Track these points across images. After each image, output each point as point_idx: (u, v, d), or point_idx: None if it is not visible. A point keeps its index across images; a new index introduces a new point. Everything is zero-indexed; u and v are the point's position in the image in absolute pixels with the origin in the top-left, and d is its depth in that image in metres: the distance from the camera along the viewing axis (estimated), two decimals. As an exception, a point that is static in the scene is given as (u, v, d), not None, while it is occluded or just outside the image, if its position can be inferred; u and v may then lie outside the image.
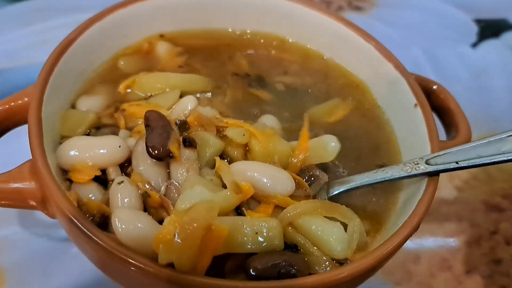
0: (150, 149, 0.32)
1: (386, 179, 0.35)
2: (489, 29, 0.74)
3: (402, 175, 0.35)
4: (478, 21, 0.75)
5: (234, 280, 0.29)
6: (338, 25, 0.44)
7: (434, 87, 0.41)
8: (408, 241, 0.47)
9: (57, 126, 0.36)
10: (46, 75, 0.35)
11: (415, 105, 0.38)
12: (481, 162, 0.34)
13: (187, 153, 0.33)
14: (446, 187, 0.53)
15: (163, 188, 0.33)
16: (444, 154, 0.35)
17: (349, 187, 0.36)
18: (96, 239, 0.28)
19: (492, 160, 0.33)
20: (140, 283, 0.29)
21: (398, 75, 0.40)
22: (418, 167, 0.34)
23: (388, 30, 0.74)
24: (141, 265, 0.27)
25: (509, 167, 0.56)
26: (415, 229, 0.31)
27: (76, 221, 0.28)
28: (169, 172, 0.34)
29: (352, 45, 0.43)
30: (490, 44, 0.72)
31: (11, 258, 0.43)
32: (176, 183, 0.33)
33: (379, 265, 0.30)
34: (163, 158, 0.32)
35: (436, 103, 0.41)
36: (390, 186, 0.37)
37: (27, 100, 0.35)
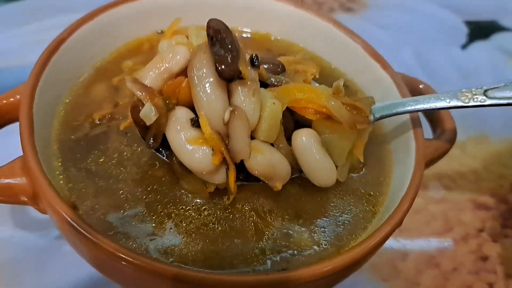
0: (221, 68, 0.28)
1: (442, 107, 0.33)
2: (479, 31, 0.75)
3: (458, 104, 0.32)
4: (468, 23, 0.76)
5: (229, 273, 0.30)
6: (327, 25, 0.45)
7: (421, 86, 0.42)
8: (395, 239, 0.49)
9: (49, 123, 0.36)
10: (37, 73, 0.36)
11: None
12: None
13: (253, 74, 0.30)
14: (434, 186, 0.54)
15: (227, 115, 0.30)
16: (504, 86, 0.32)
17: (395, 112, 0.35)
18: (86, 234, 0.28)
19: None
20: (131, 277, 0.30)
21: (385, 75, 0.40)
22: (477, 98, 0.32)
23: (379, 31, 0.74)
24: (131, 260, 0.28)
25: (496, 167, 0.57)
26: (398, 224, 0.31)
27: (66, 216, 0.29)
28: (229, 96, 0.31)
29: (340, 45, 0.44)
30: (479, 46, 0.73)
31: (4, 255, 0.43)
32: (241, 108, 0.30)
33: (361, 261, 0.30)
34: (234, 79, 0.29)
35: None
36: (380, 176, 0.37)
37: (19, 98, 0.35)
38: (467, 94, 0.33)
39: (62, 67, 0.38)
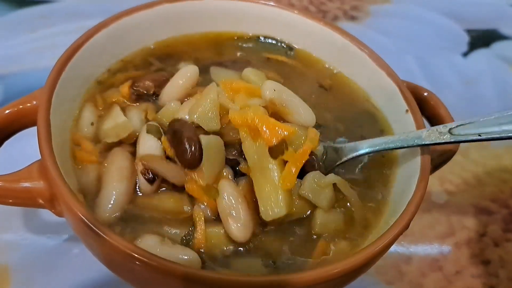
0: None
1: (409, 144, 0.35)
2: (480, 39, 0.76)
3: (424, 143, 0.35)
4: (470, 31, 0.78)
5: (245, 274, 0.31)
6: (334, 34, 0.46)
7: (425, 94, 0.43)
8: (400, 243, 0.50)
9: (66, 127, 0.37)
10: (54, 79, 0.37)
11: (406, 110, 0.40)
12: (502, 135, 0.32)
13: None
14: (438, 191, 0.55)
15: None
16: (467, 124, 0.34)
17: (364, 152, 0.37)
18: (103, 235, 0.29)
19: None
20: (147, 279, 0.31)
21: (391, 82, 0.42)
22: (442, 136, 0.34)
23: (383, 39, 0.76)
24: (148, 261, 0.28)
25: (498, 172, 0.58)
26: (406, 227, 0.32)
27: (84, 218, 0.30)
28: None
29: (347, 54, 0.45)
30: (480, 54, 0.74)
31: (16, 257, 0.44)
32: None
33: (370, 262, 0.31)
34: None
35: (427, 109, 0.43)
36: (383, 181, 0.38)
37: (36, 103, 0.36)
38: (433, 133, 0.35)
39: (77, 72, 0.39)
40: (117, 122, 0.38)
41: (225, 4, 0.46)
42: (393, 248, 0.49)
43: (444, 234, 0.51)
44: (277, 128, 0.34)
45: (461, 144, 0.60)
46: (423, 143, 0.35)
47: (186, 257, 0.31)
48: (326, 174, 0.35)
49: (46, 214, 0.47)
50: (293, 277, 0.29)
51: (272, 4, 0.47)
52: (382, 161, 0.40)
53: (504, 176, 0.58)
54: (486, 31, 0.78)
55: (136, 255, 0.29)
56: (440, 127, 0.35)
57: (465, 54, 0.73)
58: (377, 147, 0.37)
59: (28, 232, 0.46)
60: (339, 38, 0.46)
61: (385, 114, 0.43)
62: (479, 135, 0.33)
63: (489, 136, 0.33)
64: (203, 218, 0.34)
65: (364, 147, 0.38)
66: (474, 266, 0.49)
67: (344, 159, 0.38)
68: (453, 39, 0.76)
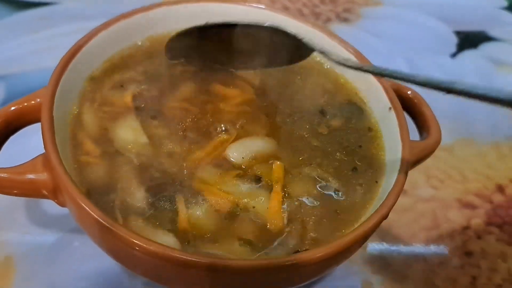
0: None
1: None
2: (468, 41, 0.79)
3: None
4: (458, 33, 0.80)
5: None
6: (323, 36, 0.49)
7: (409, 92, 0.45)
8: (385, 235, 0.52)
9: (66, 124, 0.40)
10: (56, 78, 0.39)
11: (390, 108, 0.42)
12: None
13: None
14: (423, 186, 0.57)
15: None
16: None
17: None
18: (105, 223, 0.31)
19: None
20: (153, 268, 0.33)
21: (375, 81, 0.44)
22: None
23: (374, 40, 0.78)
24: (152, 249, 0.30)
25: (482, 169, 0.61)
26: (384, 217, 0.35)
27: (85, 207, 0.32)
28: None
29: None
30: (468, 55, 0.76)
31: (19, 248, 0.46)
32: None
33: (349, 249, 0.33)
34: None
35: (410, 107, 0.45)
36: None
37: (39, 100, 0.38)
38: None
39: (78, 72, 0.41)
40: (139, 141, 0.40)
41: (214, 6, 0.48)
42: (379, 239, 0.51)
43: (428, 226, 0.53)
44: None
45: (447, 141, 0.63)
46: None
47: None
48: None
49: (47, 208, 0.49)
50: (266, 262, 0.31)
51: (262, 7, 0.49)
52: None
53: (489, 172, 0.60)
54: (474, 33, 0.81)
55: (139, 243, 0.31)
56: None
57: (453, 55, 0.76)
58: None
59: (31, 226, 0.48)
60: (327, 39, 0.48)
61: (371, 109, 0.45)
62: None
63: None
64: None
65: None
66: (457, 257, 0.51)
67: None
68: (442, 41, 0.79)
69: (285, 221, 0.36)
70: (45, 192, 0.35)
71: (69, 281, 0.44)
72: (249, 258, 0.34)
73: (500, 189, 0.58)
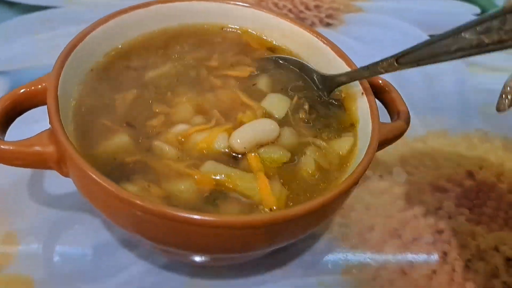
0: None
1: (373, 75, 0.45)
2: (442, 43, 0.84)
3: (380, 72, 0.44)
4: (432, 36, 0.86)
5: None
6: (304, 32, 0.54)
7: (380, 81, 0.50)
8: (363, 214, 0.56)
9: (69, 104, 0.44)
10: (60, 66, 0.43)
11: (362, 93, 0.47)
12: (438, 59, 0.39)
13: None
14: (399, 172, 0.62)
15: None
16: (409, 52, 0.41)
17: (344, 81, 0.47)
18: (108, 186, 0.35)
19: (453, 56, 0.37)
20: (153, 228, 0.36)
21: (349, 70, 0.49)
22: (391, 66, 0.42)
23: (355, 43, 0.84)
24: (155, 209, 0.33)
25: (454, 157, 0.65)
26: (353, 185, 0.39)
27: (92, 174, 0.35)
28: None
29: (314, 47, 0.53)
30: (442, 57, 0.82)
31: (23, 224, 0.50)
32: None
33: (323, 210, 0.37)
34: None
35: (382, 94, 0.50)
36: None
37: (45, 85, 0.42)
38: (383, 64, 0.43)
39: (80, 60, 0.45)
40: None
41: (208, 4, 0.53)
42: (357, 218, 0.56)
43: (403, 208, 0.58)
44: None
45: (422, 133, 0.68)
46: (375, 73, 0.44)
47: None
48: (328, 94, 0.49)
49: (49, 188, 0.53)
50: (238, 220, 0.35)
51: (247, 5, 0.54)
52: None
53: (460, 160, 0.65)
54: (447, 36, 0.86)
55: (140, 203, 0.34)
56: (390, 59, 0.43)
57: (428, 56, 0.81)
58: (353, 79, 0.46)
59: (34, 202, 0.52)
60: (307, 35, 0.53)
61: (349, 95, 0.50)
62: (418, 62, 0.40)
63: (427, 62, 0.40)
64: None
65: (343, 79, 0.47)
66: (429, 235, 0.55)
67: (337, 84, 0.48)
68: (416, 43, 0.84)
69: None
70: (50, 164, 0.39)
71: (70, 252, 0.48)
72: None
73: (470, 174, 0.63)
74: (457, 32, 0.36)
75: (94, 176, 0.35)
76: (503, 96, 0.36)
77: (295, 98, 0.49)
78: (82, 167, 0.36)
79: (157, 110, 0.46)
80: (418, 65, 0.40)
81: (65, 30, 0.74)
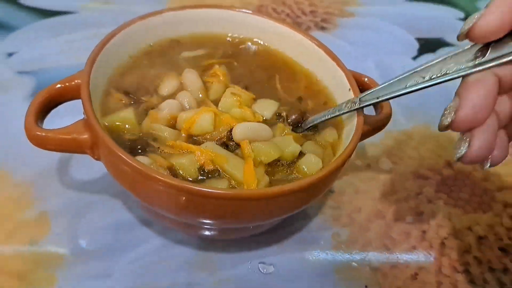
0: None
1: (336, 114, 0.50)
2: (427, 46, 0.92)
3: (343, 112, 0.49)
4: (419, 39, 0.93)
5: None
6: (300, 36, 0.61)
7: (365, 79, 0.57)
8: (353, 198, 0.63)
9: (99, 98, 0.51)
10: (91, 63, 0.50)
11: (349, 89, 0.54)
12: (392, 96, 0.44)
13: None
14: (385, 161, 0.69)
15: None
16: (370, 92, 0.47)
17: (316, 122, 0.52)
18: (136, 165, 0.41)
19: (404, 91, 0.42)
20: (185, 207, 0.41)
21: (339, 70, 0.56)
22: (354, 104, 0.48)
23: (348, 46, 0.91)
24: (189, 186, 0.40)
25: (436, 149, 0.73)
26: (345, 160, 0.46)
27: (124, 156, 0.42)
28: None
29: (308, 50, 0.60)
30: (427, 58, 0.89)
31: (54, 205, 0.57)
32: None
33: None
34: None
35: (367, 90, 0.57)
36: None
37: (78, 81, 0.49)
38: (348, 104, 0.50)
39: (108, 58, 0.52)
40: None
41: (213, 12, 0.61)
42: (347, 201, 0.63)
43: (387, 192, 0.65)
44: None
45: (407, 128, 0.75)
46: (343, 111, 0.50)
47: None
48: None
49: (78, 174, 0.60)
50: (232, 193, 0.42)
51: (250, 12, 0.61)
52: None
53: (441, 152, 0.72)
54: (432, 39, 0.94)
55: (168, 181, 0.40)
56: (354, 99, 0.49)
57: (415, 58, 0.89)
58: (320, 119, 0.52)
59: (64, 187, 0.58)
60: (301, 37, 0.60)
61: (332, 92, 0.57)
62: (377, 98, 0.46)
63: (385, 98, 0.45)
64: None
65: (314, 119, 0.53)
66: (410, 216, 0.62)
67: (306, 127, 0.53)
68: (405, 46, 0.92)
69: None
70: (85, 148, 0.46)
71: (95, 230, 0.55)
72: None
73: (449, 164, 0.70)
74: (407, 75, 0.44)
75: (126, 159, 0.42)
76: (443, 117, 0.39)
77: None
78: (115, 150, 0.43)
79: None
80: (377, 100, 0.47)
81: (82, 34, 0.81)
